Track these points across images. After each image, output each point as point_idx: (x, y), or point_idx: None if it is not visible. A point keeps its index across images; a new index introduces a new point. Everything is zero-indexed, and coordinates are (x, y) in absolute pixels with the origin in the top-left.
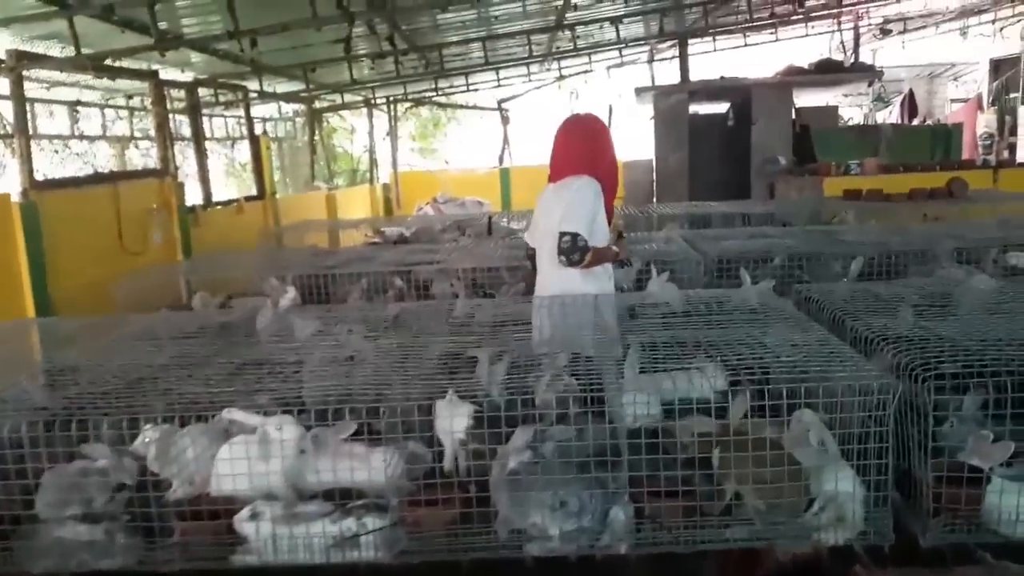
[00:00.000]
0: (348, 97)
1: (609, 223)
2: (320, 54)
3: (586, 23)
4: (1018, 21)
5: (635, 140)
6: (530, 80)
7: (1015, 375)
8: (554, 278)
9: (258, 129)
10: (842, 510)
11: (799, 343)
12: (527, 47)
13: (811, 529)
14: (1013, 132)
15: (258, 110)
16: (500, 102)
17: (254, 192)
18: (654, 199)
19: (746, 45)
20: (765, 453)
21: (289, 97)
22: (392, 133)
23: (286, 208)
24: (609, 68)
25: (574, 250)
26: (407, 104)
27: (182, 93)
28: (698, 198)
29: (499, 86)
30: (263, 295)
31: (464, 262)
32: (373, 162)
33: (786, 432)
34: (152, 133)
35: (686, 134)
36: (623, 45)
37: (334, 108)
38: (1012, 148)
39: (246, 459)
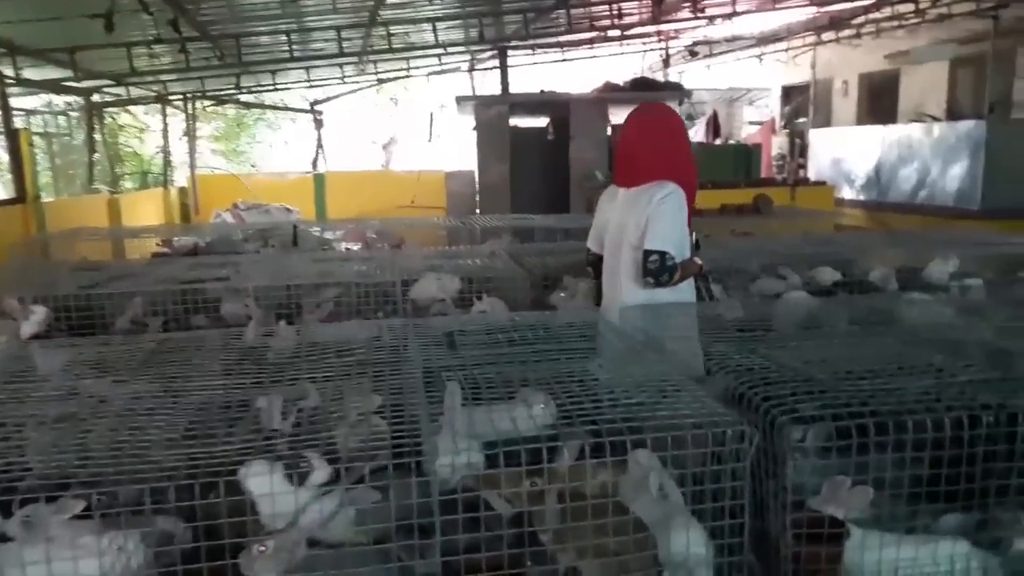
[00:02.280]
0: (137, 91)
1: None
2: (85, 35)
3: (402, 22)
4: (809, 50)
5: (458, 150)
6: (344, 82)
7: (878, 415)
8: (640, 292)
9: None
10: None
11: (637, 375)
12: (337, 43)
13: None
14: (803, 153)
15: (23, 101)
16: (313, 104)
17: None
18: (477, 211)
19: (564, 59)
20: (607, 512)
21: (58, 87)
22: (190, 133)
23: (56, 214)
24: (429, 75)
25: (663, 271)
26: (207, 102)
27: None
28: (520, 211)
29: (311, 86)
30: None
31: (260, 278)
32: (167, 164)
33: (623, 478)
34: None
35: (507, 146)
36: (443, 51)
37: (119, 103)
38: (803, 168)
39: None
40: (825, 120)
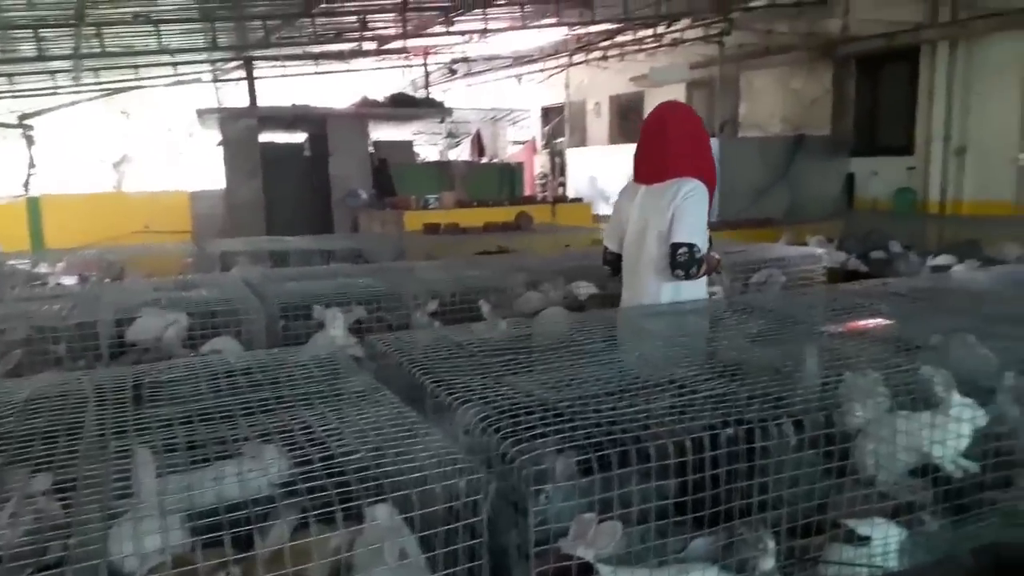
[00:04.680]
0: None
1: None
2: None
3: (114, 23)
4: (562, 72)
5: (202, 168)
6: (58, 92)
7: (619, 443)
8: (664, 287)
9: None
10: None
11: (373, 419)
12: (35, 44)
13: None
14: (563, 172)
15: None
16: (22, 118)
17: None
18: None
19: (318, 72)
20: None
21: None
22: None
23: None
24: (168, 86)
25: (692, 263)
26: None
27: None
28: (277, 232)
29: (16, 96)
30: None
31: None
32: None
33: (358, 541)
34: None
35: (259, 163)
36: (171, 57)
37: None
38: (563, 186)
39: None
40: (581, 140)
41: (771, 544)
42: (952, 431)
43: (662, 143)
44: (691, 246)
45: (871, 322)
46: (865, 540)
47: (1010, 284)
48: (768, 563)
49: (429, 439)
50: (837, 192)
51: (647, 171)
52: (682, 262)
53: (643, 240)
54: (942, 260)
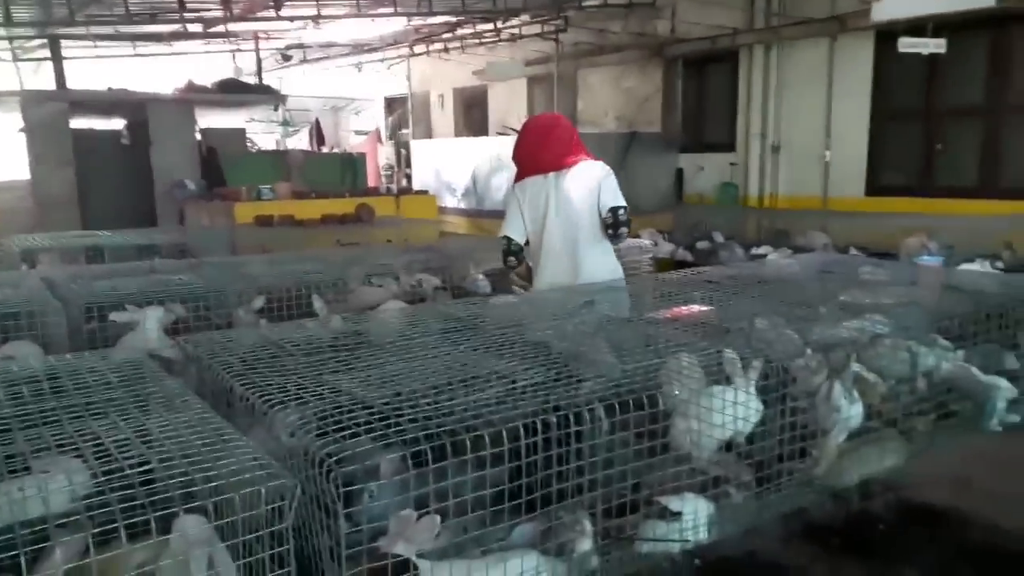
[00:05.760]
0: None
1: None
2: None
3: None
4: (402, 62)
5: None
6: None
7: (433, 439)
8: (604, 262)
9: None
10: None
11: (172, 427)
12: None
13: None
14: (409, 164)
15: None
16: None
17: None
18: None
19: (137, 54)
20: None
21: None
22: None
23: None
24: None
25: (629, 222)
26: None
27: None
28: (96, 226)
29: None
30: None
31: None
32: None
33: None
34: None
35: (70, 151)
36: None
37: None
38: (409, 178)
39: None
40: (426, 131)
41: (588, 526)
42: (742, 409)
43: (559, 135)
44: (625, 207)
45: (689, 309)
46: (677, 515)
47: (816, 270)
48: (585, 544)
49: (233, 446)
50: (668, 186)
51: (551, 160)
52: (625, 220)
53: (577, 217)
54: (762, 250)
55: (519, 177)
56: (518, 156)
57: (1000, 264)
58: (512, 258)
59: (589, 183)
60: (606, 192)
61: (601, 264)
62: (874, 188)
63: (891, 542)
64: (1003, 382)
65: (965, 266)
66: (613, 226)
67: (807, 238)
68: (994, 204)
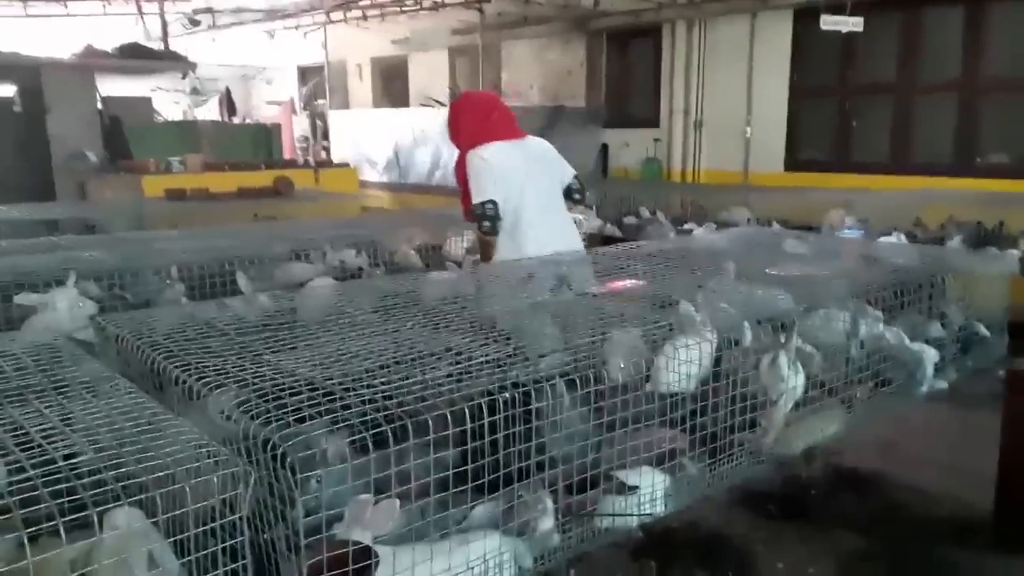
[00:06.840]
0: None
1: None
2: None
3: None
4: (318, 29)
5: None
6: None
7: (392, 420)
8: (574, 229)
9: None
10: None
11: (104, 413)
12: None
13: None
14: (326, 136)
15: None
16: None
17: None
18: None
19: (28, 15)
20: None
21: None
22: None
23: None
24: None
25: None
26: None
27: None
28: None
29: None
30: None
31: None
32: None
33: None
34: None
35: None
36: None
37: None
38: (327, 150)
39: None
40: (343, 102)
41: (550, 504)
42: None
43: (504, 108)
44: (577, 175)
45: (629, 282)
46: (634, 489)
47: (742, 244)
48: (547, 523)
49: (174, 431)
50: (593, 161)
51: (510, 130)
52: (583, 187)
53: (550, 183)
54: (689, 225)
55: (470, 145)
56: (466, 126)
57: (916, 236)
58: (490, 223)
59: (547, 153)
60: (561, 161)
61: (572, 231)
62: (793, 163)
63: (823, 506)
64: (930, 350)
65: (883, 239)
66: (580, 191)
67: (731, 213)
68: (906, 180)
